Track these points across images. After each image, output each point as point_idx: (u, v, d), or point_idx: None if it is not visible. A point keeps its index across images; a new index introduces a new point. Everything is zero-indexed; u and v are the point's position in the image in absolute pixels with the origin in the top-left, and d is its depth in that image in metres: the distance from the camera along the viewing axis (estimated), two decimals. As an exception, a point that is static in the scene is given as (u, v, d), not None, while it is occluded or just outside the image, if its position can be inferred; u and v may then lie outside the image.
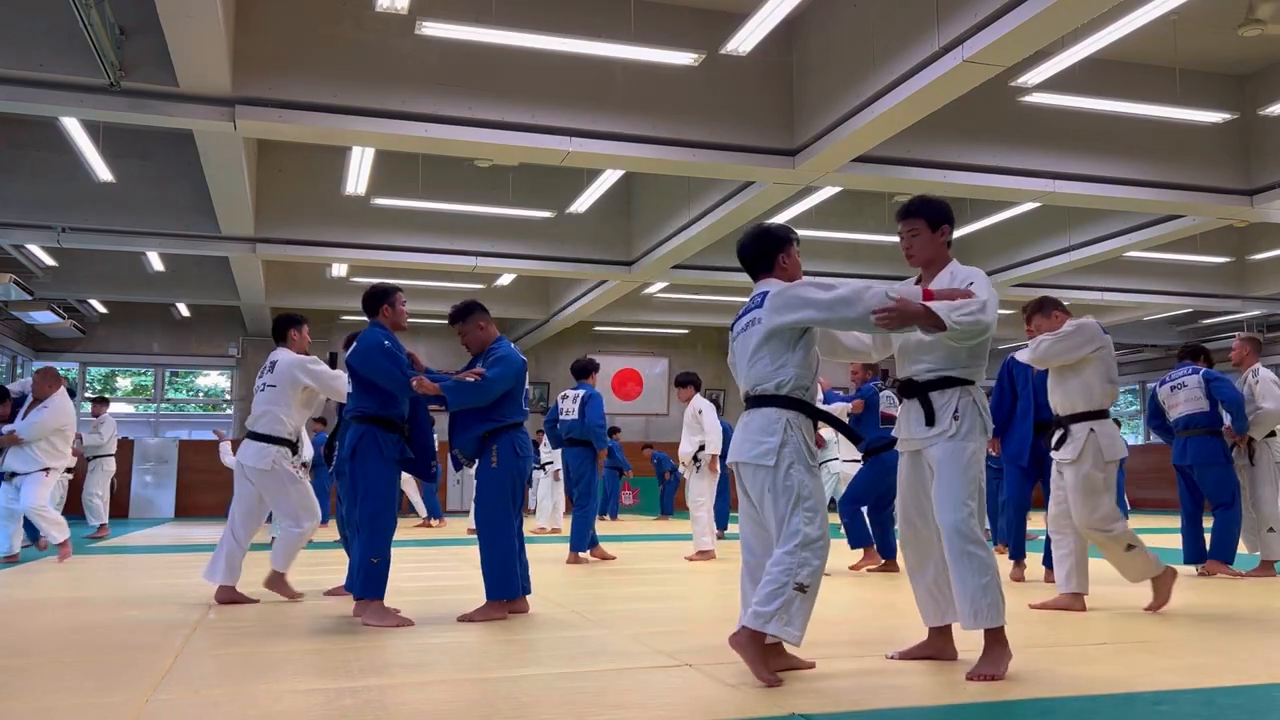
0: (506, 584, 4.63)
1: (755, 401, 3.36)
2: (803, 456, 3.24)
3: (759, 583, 3.28)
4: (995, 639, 3.26)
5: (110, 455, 11.94)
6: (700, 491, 8.34)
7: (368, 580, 4.53)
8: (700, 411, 8.31)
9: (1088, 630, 4.32)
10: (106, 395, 12.02)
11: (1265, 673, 3.35)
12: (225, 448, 9.84)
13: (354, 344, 4.83)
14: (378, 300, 4.87)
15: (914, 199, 3.65)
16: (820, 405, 3.54)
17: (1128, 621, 4.57)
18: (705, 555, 8.18)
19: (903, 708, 2.86)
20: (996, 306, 3.29)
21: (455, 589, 4.91)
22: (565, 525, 8.61)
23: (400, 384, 4.58)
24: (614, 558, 8.16)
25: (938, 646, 3.51)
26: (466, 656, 3.78)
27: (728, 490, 11.94)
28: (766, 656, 3.16)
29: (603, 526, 13.91)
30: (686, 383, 8.52)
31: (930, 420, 3.37)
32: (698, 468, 8.36)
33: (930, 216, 3.56)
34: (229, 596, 5.35)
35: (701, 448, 8.34)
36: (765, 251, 3.49)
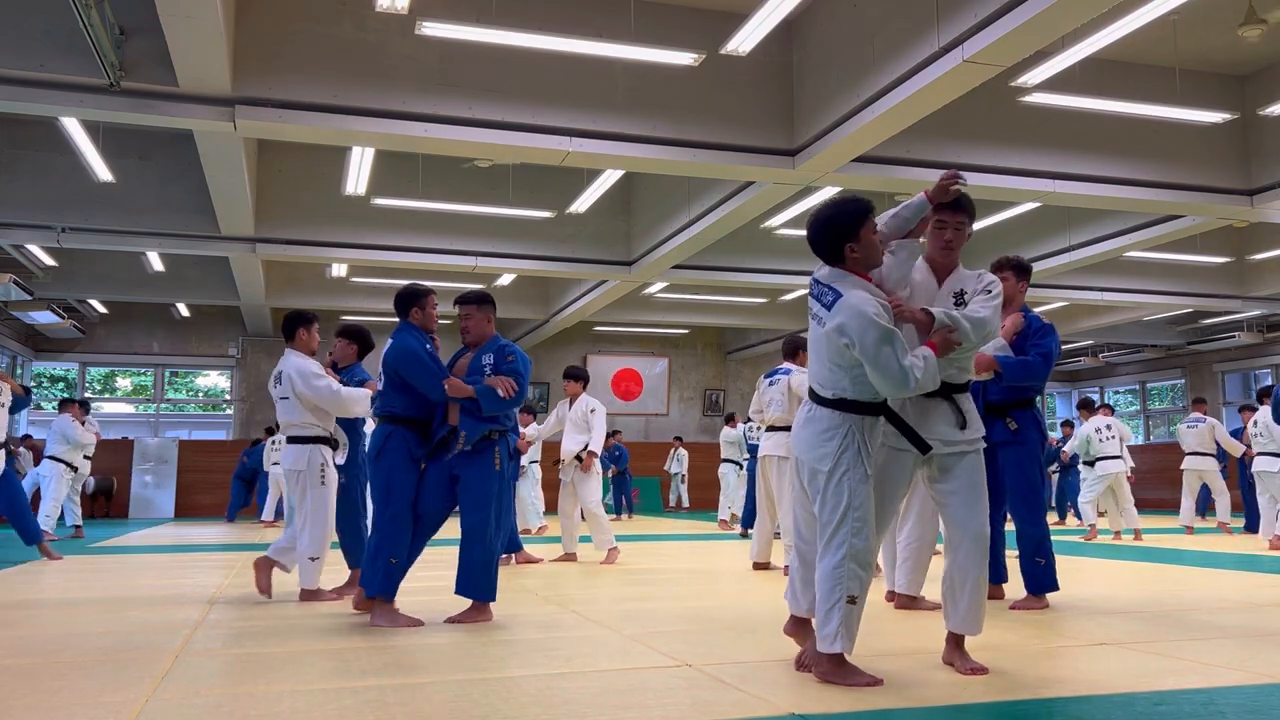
0: (490, 588, 4.62)
1: (818, 399, 3.28)
2: (860, 464, 3.17)
3: (807, 567, 3.34)
4: (961, 640, 3.40)
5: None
6: (593, 490, 8.04)
7: (386, 581, 4.53)
8: (592, 411, 8.03)
9: (1087, 630, 4.32)
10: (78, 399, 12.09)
11: (1265, 673, 3.34)
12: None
13: (387, 343, 4.84)
14: (409, 301, 4.87)
15: (964, 195, 3.48)
16: None
17: (1127, 622, 4.57)
18: (615, 553, 7.96)
19: (902, 708, 2.86)
20: (999, 314, 3.39)
21: (450, 589, 4.90)
22: (554, 526, 8.55)
23: (438, 390, 4.60)
24: (539, 560, 8.00)
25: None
26: (466, 656, 3.78)
27: (753, 490, 11.93)
28: (844, 667, 3.15)
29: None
30: (576, 377, 8.13)
31: (964, 423, 3.37)
32: (577, 467, 8.04)
33: (971, 217, 3.50)
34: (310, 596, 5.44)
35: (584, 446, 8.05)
36: (832, 243, 3.24)
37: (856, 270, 3.25)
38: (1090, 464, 11.09)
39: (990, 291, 3.40)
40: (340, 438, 5.69)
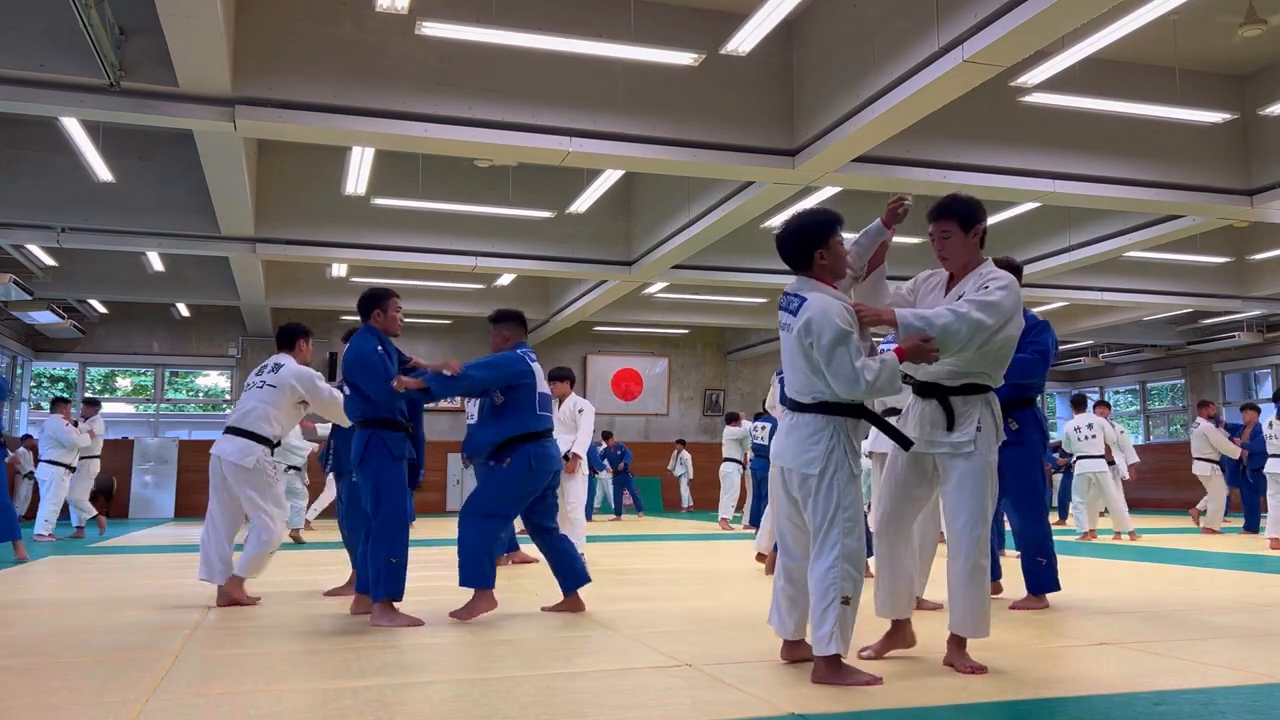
0: (480, 574, 4.63)
1: (795, 406, 3.31)
2: (846, 465, 3.20)
3: (793, 585, 3.35)
4: (963, 641, 3.40)
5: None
6: (575, 493, 7.92)
7: (388, 581, 4.53)
8: (580, 411, 7.96)
9: (1087, 630, 4.33)
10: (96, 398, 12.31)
11: (1265, 673, 3.35)
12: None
13: (347, 347, 4.86)
14: (370, 304, 4.87)
15: (946, 197, 3.52)
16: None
17: (1127, 622, 4.57)
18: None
19: (901, 708, 2.86)
20: (1000, 314, 3.23)
21: (451, 589, 4.92)
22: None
23: (384, 392, 4.59)
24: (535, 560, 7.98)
25: (904, 634, 3.59)
26: (466, 656, 3.78)
27: (758, 489, 12.00)
28: (841, 668, 3.16)
29: (608, 527, 13.94)
30: (563, 378, 8.08)
31: (951, 425, 3.36)
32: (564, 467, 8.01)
33: (963, 216, 3.45)
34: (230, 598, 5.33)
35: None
36: (801, 250, 3.32)
37: (824, 278, 3.33)
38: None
39: (988, 288, 3.30)
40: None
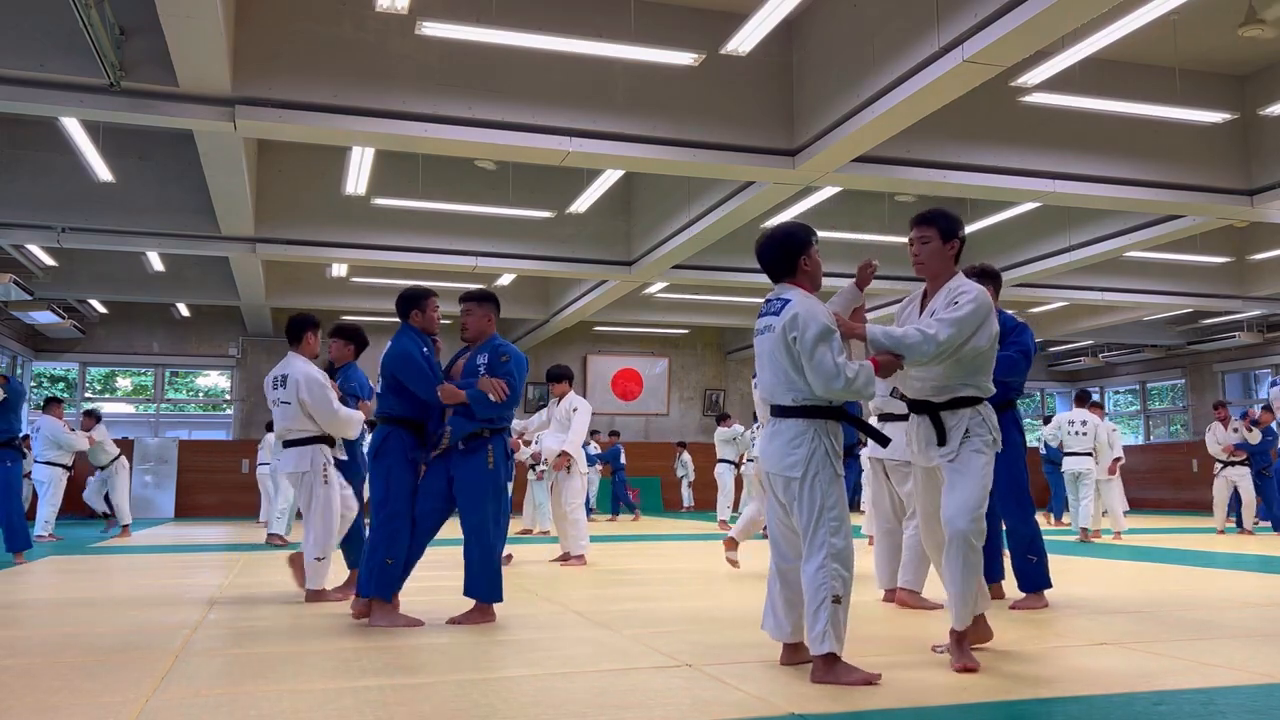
0: (495, 588, 4.62)
1: (778, 411, 3.38)
2: (828, 466, 3.27)
3: (789, 587, 3.39)
4: (961, 637, 3.42)
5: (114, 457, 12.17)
6: (574, 493, 7.94)
7: (381, 581, 4.52)
8: (574, 410, 7.94)
9: (1087, 630, 4.33)
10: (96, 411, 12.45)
11: (1265, 673, 3.35)
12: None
13: (388, 345, 4.85)
14: (409, 304, 4.88)
15: (930, 208, 3.69)
16: None
17: (1127, 622, 4.57)
18: (579, 560, 7.80)
19: (902, 708, 2.86)
20: (965, 328, 3.36)
21: (451, 590, 4.92)
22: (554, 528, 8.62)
23: (432, 395, 4.63)
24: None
25: (980, 630, 3.66)
26: (466, 656, 3.78)
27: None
28: (838, 666, 3.18)
29: (607, 528, 13.95)
30: (561, 377, 8.11)
31: (942, 440, 3.46)
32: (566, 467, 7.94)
33: (944, 226, 3.60)
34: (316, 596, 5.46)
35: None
36: (786, 256, 3.44)
37: (804, 284, 3.44)
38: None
39: (957, 303, 3.42)
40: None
